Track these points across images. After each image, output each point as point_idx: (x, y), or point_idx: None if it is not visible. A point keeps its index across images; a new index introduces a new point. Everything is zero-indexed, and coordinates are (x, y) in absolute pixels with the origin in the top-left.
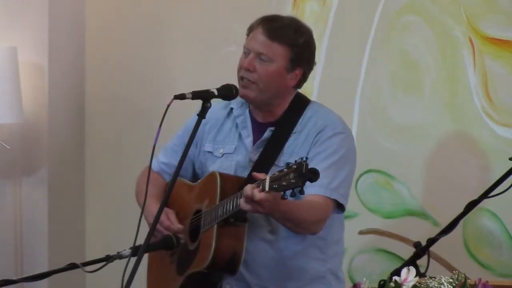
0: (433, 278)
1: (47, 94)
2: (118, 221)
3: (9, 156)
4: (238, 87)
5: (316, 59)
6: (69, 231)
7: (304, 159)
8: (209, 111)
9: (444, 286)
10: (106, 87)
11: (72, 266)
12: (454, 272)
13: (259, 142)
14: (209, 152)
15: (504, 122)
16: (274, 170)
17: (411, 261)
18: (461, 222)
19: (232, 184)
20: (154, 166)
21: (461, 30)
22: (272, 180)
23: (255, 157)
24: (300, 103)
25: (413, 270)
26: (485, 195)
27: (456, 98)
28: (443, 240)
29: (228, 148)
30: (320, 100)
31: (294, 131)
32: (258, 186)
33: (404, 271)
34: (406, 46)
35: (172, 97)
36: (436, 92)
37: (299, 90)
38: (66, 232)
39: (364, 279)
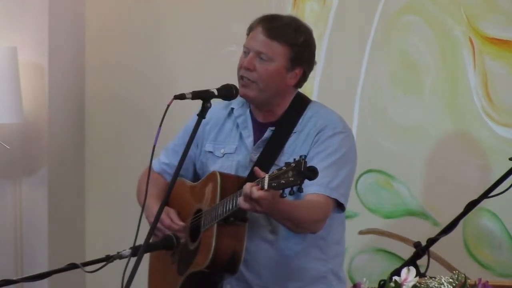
0: (433, 278)
1: (47, 94)
2: (118, 221)
3: (9, 156)
4: (238, 86)
5: (316, 59)
6: (69, 231)
7: (303, 157)
8: (210, 111)
9: (444, 286)
10: (106, 87)
11: (72, 266)
12: (454, 272)
13: (260, 142)
14: (210, 152)
15: (504, 122)
16: (274, 170)
17: (411, 261)
18: (461, 222)
19: (233, 184)
20: (155, 166)
21: (461, 30)
22: (271, 179)
23: (255, 157)
24: (301, 103)
25: (413, 270)
26: (485, 195)
27: (456, 98)
28: (443, 240)
29: (229, 148)
30: (320, 100)
31: (294, 131)
32: (257, 185)
33: (404, 271)
34: (406, 46)
35: (172, 97)
36: (436, 92)
37: (300, 90)
38: (66, 232)
39: (364, 279)
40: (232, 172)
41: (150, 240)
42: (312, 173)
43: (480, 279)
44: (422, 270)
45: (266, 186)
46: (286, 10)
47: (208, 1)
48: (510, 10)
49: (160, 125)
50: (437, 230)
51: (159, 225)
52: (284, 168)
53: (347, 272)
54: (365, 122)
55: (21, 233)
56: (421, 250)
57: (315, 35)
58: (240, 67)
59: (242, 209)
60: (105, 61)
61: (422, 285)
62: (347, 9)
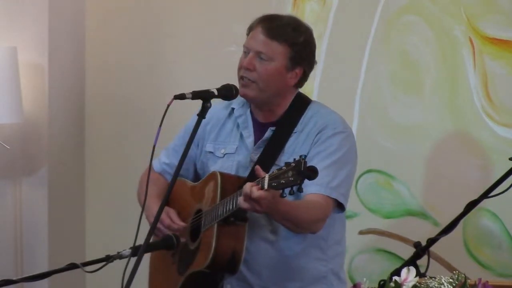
0: (433, 278)
1: (47, 94)
2: (118, 221)
3: (9, 156)
4: (238, 87)
5: (316, 58)
6: (69, 231)
7: (303, 157)
8: (210, 111)
9: (444, 286)
10: (106, 87)
11: (72, 266)
12: (454, 272)
13: (260, 142)
14: (210, 152)
15: (504, 122)
16: (274, 170)
17: (411, 261)
18: (461, 222)
19: (233, 184)
20: (156, 166)
21: (461, 30)
22: (271, 178)
23: (256, 157)
24: (301, 103)
25: (413, 270)
26: (485, 195)
27: (456, 98)
28: (443, 240)
29: (230, 148)
30: (320, 100)
31: (295, 131)
32: (258, 184)
33: (404, 271)
34: (406, 46)
35: (172, 97)
36: (436, 92)
37: (300, 90)
38: (66, 232)
39: (364, 279)
40: (233, 172)
41: (150, 240)
42: (312, 173)
43: (480, 279)
44: (422, 270)
45: (266, 186)
46: (286, 10)
47: (208, 1)
48: (510, 10)
49: (160, 125)
50: (437, 230)
51: (159, 225)
52: (284, 168)
53: (347, 272)
54: (365, 122)
55: (21, 233)
56: (421, 250)
57: (315, 35)
58: (240, 67)
59: (242, 209)
60: (105, 61)
61: (422, 285)
62: (347, 9)
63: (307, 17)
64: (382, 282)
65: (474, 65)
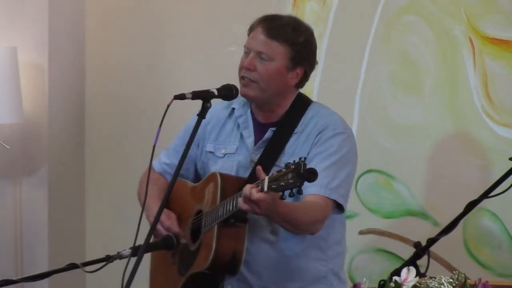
0: (433, 278)
1: (47, 94)
2: (118, 221)
3: (9, 156)
4: (239, 87)
5: (317, 58)
6: (69, 231)
7: (303, 159)
8: (211, 111)
9: (444, 286)
10: (106, 87)
11: (72, 266)
12: (454, 272)
13: (260, 142)
14: (210, 152)
15: (504, 122)
16: (275, 171)
17: (411, 261)
18: (461, 222)
19: (233, 185)
20: (156, 166)
21: (461, 30)
22: (271, 181)
23: (256, 157)
24: (302, 104)
25: (413, 270)
26: (485, 195)
27: (456, 98)
28: (443, 240)
29: (230, 148)
30: (320, 100)
31: (295, 132)
32: (257, 186)
33: (404, 271)
34: (406, 46)
35: (172, 97)
36: (436, 92)
37: (300, 90)
38: (66, 232)
39: (364, 279)
40: (233, 173)
41: (150, 240)
42: (311, 175)
43: (480, 279)
44: (422, 270)
45: (265, 188)
46: (286, 10)
47: (208, 1)
48: (510, 10)
49: (160, 125)
50: (437, 230)
51: (158, 226)
52: (284, 170)
53: (347, 272)
54: (365, 122)
55: (21, 233)
56: (421, 250)
57: (315, 35)
58: (241, 68)
59: (241, 210)
60: (105, 61)
61: (422, 285)
62: (347, 9)
63: (307, 17)
64: (382, 282)
65: (474, 65)
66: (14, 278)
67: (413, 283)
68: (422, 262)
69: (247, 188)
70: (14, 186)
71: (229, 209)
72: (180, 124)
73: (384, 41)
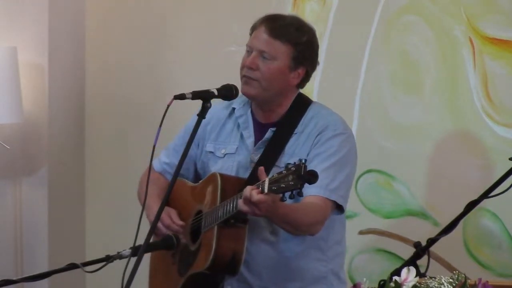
0: (433, 278)
1: (47, 94)
2: (118, 221)
3: (9, 156)
4: (239, 87)
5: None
6: (69, 231)
7: (303, 161)
8: (211, 111)
9: (444, 286)
10: (106, 87)
11: (72, 266)
12: (454, 272)
13: (261, 142)
14: (210, 152)
15: (504, 122)
16: (275, 171)
17: (411, 261)
18: (461, 222)
19: (233, 185)
20: (156, 166)
21: (461, 30)
22: (271, 182)
23: (256, 157)
24: (302, 104)
25: (413, 270)
26: (485, 195)
27: (456, 98)
28: (443, 240)
29: (230, 148)
30: (320, 100)
31: (295, 132)
32: (258, 188)
33: (404, 271)
34: (406, 46)
35: (172, 97)
36: (436, 92)
37: (300, 90)
38: (66, 232)
39: (364, 279)
40: (233, 173)
41: (150, 240)
42: (312, 177)
43: (480, 279)
44: (422, 270)
45: (266, 190)
46: (286, 10)
47: (208, 1)
48: (510, 10)
49: (160, 125)
50: (437, 230)
51: (159, 224)
52: (284, 171)
53: (347, 272)
54: (365, 122)
55: (21, 233)
56: (421, 250)
57: None
58: (243, 66)
59: (241, 211)
60: (105, 61)
61: (422, 285)
62: (347, 9)
63: (307, 17)
64: (382, 282)
65: (474, 65)
66: (14, 278)
67: (413, 283)
68: (422, 262)
69: (248, 190)
70: (14, 186)
71: (229, 210)
72: (180, 124)
73: (384, 41)
